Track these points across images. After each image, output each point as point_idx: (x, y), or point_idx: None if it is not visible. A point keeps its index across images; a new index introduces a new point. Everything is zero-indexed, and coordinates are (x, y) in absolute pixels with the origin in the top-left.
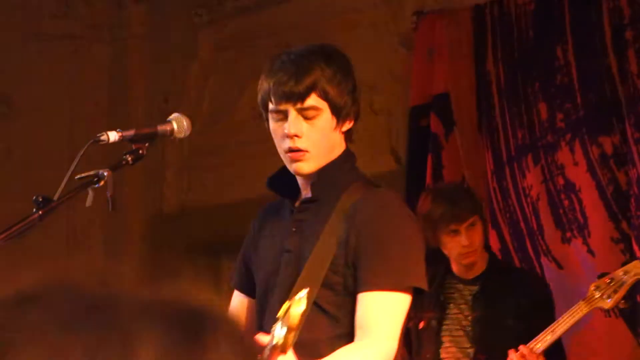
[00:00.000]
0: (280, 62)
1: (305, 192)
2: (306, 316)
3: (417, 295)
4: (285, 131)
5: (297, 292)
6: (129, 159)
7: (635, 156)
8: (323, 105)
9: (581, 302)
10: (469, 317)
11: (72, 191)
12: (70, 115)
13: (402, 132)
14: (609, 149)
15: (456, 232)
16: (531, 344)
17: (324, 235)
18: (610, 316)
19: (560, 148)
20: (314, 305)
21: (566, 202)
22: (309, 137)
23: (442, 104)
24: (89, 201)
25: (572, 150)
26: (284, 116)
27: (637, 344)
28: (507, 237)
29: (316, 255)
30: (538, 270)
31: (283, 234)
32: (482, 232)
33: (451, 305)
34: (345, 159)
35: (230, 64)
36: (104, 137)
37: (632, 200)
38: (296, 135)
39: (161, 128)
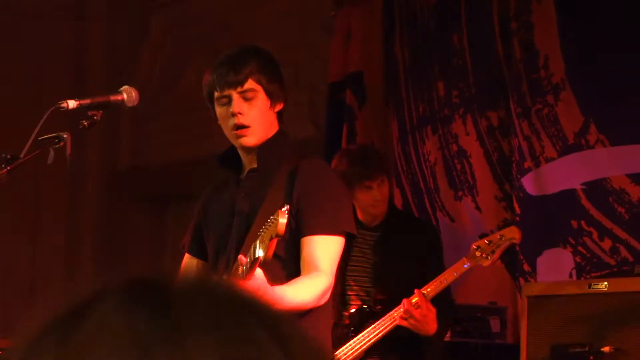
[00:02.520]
0: (221, 61)
1: (250, 165)
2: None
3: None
4: (231, 110)
5: (249, 245)
6: (85, 123)
7: (517, 128)
8: (258, 88)
9: (464, 258)
10: (371, 261)
11: (36, 150)
12: (38, 87)
13: (322, 104)
14: (495, 121)
15: (369, 188)
16: (422, 290)
17: (270, 196)
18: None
19: (455, 120)
20: None
21: (459, 166)
22: (249, 114)
23: (356, 80)
24: (50, 159)
25: (464, 123)
26: (228, 100)
27: (514, 285)
28: (409, 195)
29: (264, 211)
30: (434, 222)
31: (232, 200)
32: (389, 186)
33: (356, 249)
34: (281, 136)
35: (176, 43)
36: (64, 105)
37: (514, 165)
38: (239, 113)
39: (113, 98)
